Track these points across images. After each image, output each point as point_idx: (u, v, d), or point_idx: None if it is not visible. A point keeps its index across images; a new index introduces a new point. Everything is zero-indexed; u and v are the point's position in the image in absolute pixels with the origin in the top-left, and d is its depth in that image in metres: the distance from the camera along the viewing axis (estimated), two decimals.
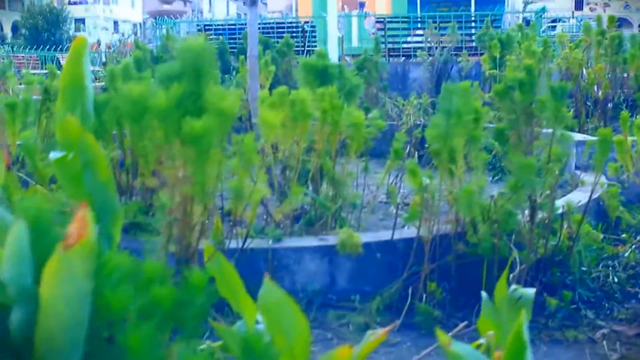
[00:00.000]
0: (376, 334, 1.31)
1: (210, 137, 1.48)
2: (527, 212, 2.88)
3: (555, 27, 23.20)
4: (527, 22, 12.46)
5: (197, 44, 1.49)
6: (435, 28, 8.27)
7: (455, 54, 8.10)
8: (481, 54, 7.65)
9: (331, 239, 3.00)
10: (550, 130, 2.85)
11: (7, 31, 46.07)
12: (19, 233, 0.92)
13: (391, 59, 9.61)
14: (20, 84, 7.29)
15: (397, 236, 3.03)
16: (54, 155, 1.39)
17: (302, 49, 9.82)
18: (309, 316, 2.75)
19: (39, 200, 0.97)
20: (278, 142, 3.21)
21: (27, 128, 3.81)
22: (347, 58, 10.77)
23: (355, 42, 13.88)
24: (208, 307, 1.16)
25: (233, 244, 2.69)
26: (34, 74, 7.94)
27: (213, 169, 1.54)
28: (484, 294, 1.41)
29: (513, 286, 1.43)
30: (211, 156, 1.51)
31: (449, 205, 2.98)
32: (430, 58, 7.71)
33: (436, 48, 7.88)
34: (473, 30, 9.76)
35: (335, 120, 3.18)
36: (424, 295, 2.84)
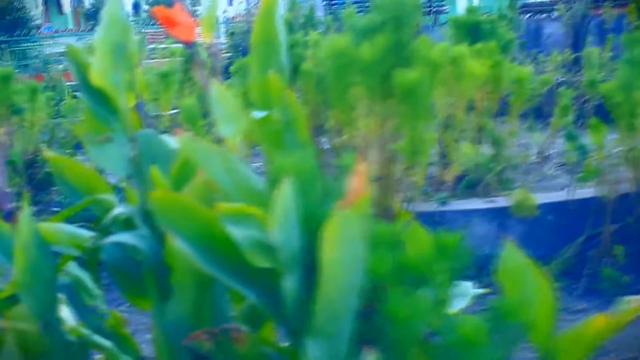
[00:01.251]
0: (635, 301, 1.17)
1: (424, 89, 1.36)
2: None
3: None
4: None
5: None
6: None
7: (595, 6, 7.61)
8: (623, 5, 7.15)
9: (499, 201, 2.85)
10: None
11: (129, 9, 47.67)
12: (286, 193, 0.84)
13: (522, 15, 9.18)
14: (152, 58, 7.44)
15: (570, 197, 2.84)
16: (257, 114, 1.31)
17: (429, 9, 9.55)
18: (483, 282, 2.63)
19: (301, 157, 0.89)
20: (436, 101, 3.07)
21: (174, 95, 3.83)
22: None
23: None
24: (459, 271, 1.07)
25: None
26: (164, 47, 8.10)
27: (423, 125, 1.43)
28: None
29: None
30: (423, 110, 1.40)
31: (627, 164, 2.75)
32: (568, 12, 7.27)
33: (574, 1, 7.42)
34: None
35: (497, 77, 3.01)
36: (605, 260, 2.65)
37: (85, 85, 1.14)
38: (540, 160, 3.98)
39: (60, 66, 8.89)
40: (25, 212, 0.97)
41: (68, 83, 5.76)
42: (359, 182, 0.80)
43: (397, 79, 1.37)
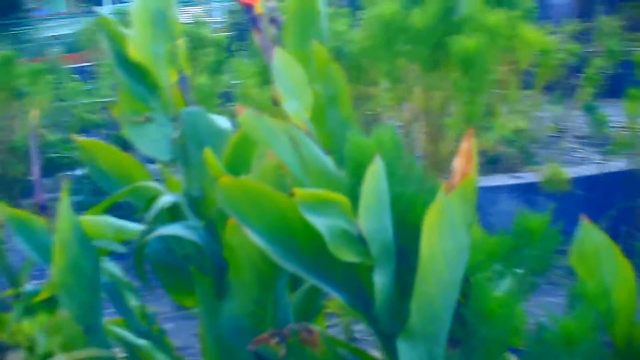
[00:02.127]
0: None
1: (483, 58, 1.24)
2: None
3: None
4: None
5: None
6: None
7: None
8: None
9: (526, 176, 2.74)
10: None
11: None
12: (375, 177, 0.73)
13: None
14: None
15: (601, 171, 2.74)
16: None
17: None
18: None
19: (384, 135, 0.78)
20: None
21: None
22: None
23: None
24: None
25: None
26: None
27: (481, 96, 1.31)
28: None
29: None
30: (482, 81, 1.28)
31: None
32: None
33: None
34: None
35: (522, 46, 2.88)
36: (638, 234, 2.55)
37: (121, 59, 1.02)
38: (558, 134, 3.87)
39: (56, 49, 8.70)
40: (65, 204, 0.85)
41: (67, 66, 5.60)
42: (465, 163, 0.69)
43: (455, 47, 1.25)
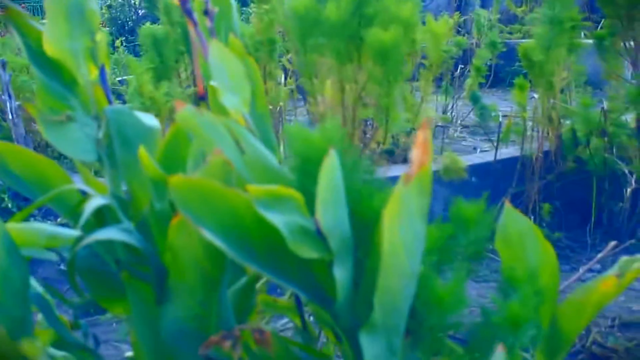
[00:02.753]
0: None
1: (398, 49, 1.26)
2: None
3: None
4: None
5: None
6: None
7: None
8: None
9: None
10: None
11: None
12: (331, 169, 0.72)
13: None
14: None
15: (490, 158, 2.85)
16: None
17: None
18: None
19: (330, 128, 0.77)
20: None
21: None
22: None
23: None
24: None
25: None
26: None
27: (398, 89, 1.33)
28: None
29: None
30: (398, 73, 1.29)
31: (548, 122, 2.78)
32: None
33: None
34: None
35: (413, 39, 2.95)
36: (531, 216, 2.67)
37: (36, 56, 0.96)
38: (446, 124, 4.00)
39: None
40: None
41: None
42: (422, 153, 0.69)
43: (370, 40, 1.26)
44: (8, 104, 2.72)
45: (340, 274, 0.71)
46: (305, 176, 0.79)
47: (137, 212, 0.95)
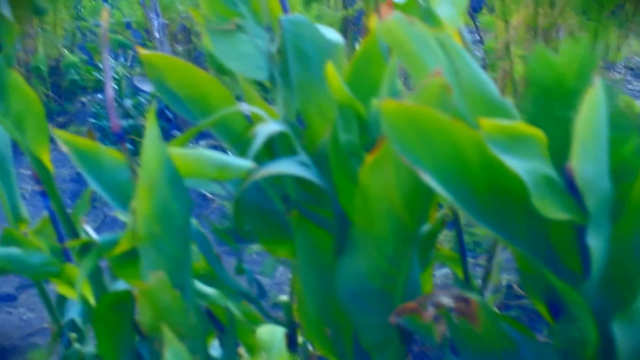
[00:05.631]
0: None
1: None
2: None
3: None
4: None
5: None
6: None
7: None
8: None
9: None
10: None
11: None
12: (594, 104, 0.53)
13: None
14: None
15: None
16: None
17: None
18: None
19: (585, 52, 0.58)
20: None
21: None
22: None
23: None
24: None
25: None
26: None
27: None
28: None
29: None
30: None
31: None
32: None
33: None
34: None
35: None
36: None
37: None
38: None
39: None
40: (152, 134, 0.66)
41: None
42: None
43: None
44: (155, 22, 2.65)
45: (596, 243, 0.53)
46: (542, 112, 0.61)
47: (312, 143, 0.80)
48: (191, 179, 0.71)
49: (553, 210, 0.53)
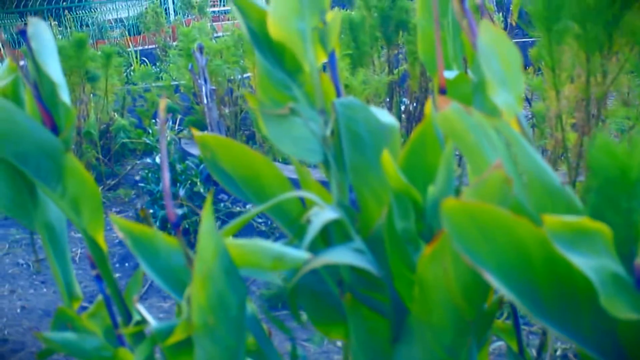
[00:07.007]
0: None
1: None
2: None
3: None
4: None
5: None
6: None
7: None
8: None
9: None
10: None
11: None
12: None
13: None
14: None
15: None
16: (448, 74, 0.97)
17: None
18: None
19: None
20: None
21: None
22: None
23: None
24: None
25: None
26: None
27: None
28: None
29: None
30: None
31: None
32: None
33: None
34: None
35: None
36: None
37: (258, 39, 0.83)
38: None
39: (117, 32, 8.64)
40: (207, 223, 0.66)
41: (132, 49, 5.48)
42: None
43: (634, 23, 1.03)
44: (204, 88, 2.71)
45: None
46: (606, 202, 0.59)
47: (366, 226, 0.80)
48: (249, 269, 0.71)
49: (622, 310, 0.51)
